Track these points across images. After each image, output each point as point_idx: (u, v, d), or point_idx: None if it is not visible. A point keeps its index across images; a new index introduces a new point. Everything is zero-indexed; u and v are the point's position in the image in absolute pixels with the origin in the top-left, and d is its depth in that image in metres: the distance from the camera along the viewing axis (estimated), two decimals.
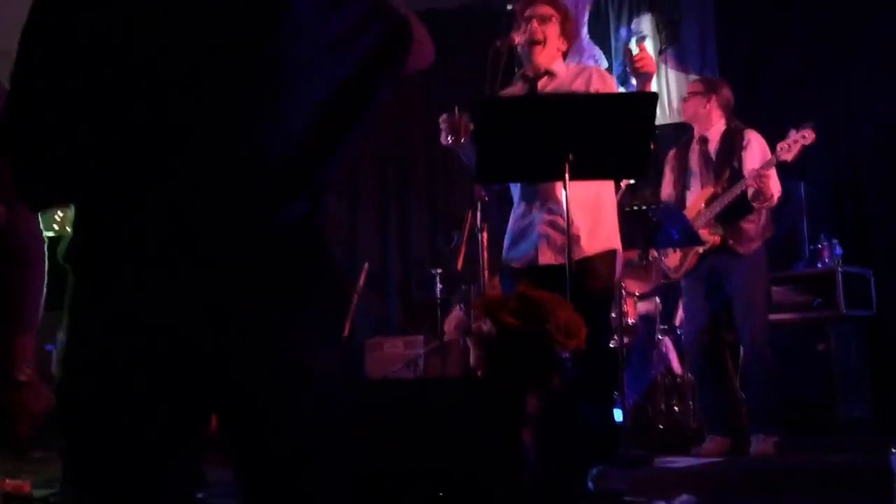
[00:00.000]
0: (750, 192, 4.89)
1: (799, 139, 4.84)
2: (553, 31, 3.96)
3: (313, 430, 1.37)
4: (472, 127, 3.75)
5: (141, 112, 1.32)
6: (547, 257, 3.83)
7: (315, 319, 1.39)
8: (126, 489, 1.33)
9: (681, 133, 6.95)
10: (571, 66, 4.16)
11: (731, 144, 5.14)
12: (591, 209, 3.86)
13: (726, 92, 5.28)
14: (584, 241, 3.80)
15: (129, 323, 1.31)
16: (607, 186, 4.04)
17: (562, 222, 3.57)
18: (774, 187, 4.91)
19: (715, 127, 5.25)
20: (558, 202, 3.72)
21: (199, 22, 1.33)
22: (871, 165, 6.60)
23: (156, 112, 1.32)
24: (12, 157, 1.35)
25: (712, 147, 5.23)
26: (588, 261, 3.79)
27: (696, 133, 5.34)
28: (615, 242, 3.96)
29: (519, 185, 4.01)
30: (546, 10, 3.95)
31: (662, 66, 7.42)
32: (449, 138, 3.78)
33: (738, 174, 5.02)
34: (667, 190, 5.42)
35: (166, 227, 1.31)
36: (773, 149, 4.95)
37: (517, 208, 4.03)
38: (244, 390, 1.34)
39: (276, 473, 1.36)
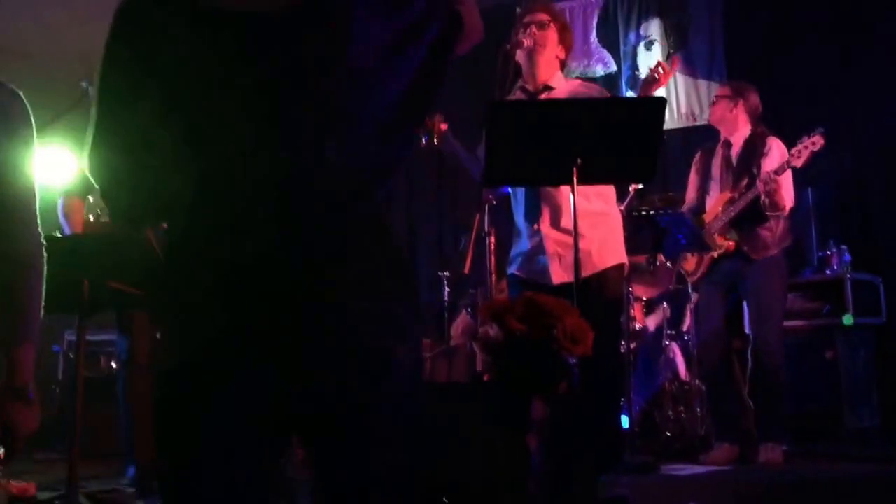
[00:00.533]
0: (762, 198, 4.88)
1: (809, 145, 4.84)
2: (552, 37, 3.97)
3: (392, 423, 1.39)
4: (445, 128, 3.78)
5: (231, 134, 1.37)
6: (560, 277, 3.83)
7: (397, 310, 1.41)
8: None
9: (689, 137, 6.97)
10: (571, 82, 4.18)
11: (754, 150, 5.15)
12: (599, 224, 3.87)
13: (754, 98, 5.28)
14: (595, 257, 3.82)
15: (234, 335, 1.34)
16: (612, 200, 4.05)
17: (572, 240, 3.55)
18: (787, 196, 4.91)
19: (740, 132, 5.25)
20: (564, 220, 3.72)
21: (278, 48, 1.37)
22: (879, 172, 6.58)
23: (243, 135, 1.37)
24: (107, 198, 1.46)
25: (735, 152, 5.24)
26: (601, 275, 3.82)
27: (722, 137, 5.35)
28: (623, 255, 3.99)
29: (522, 203, 4.01)
30: (543, 16, 3.98)
31: None
32: (423, 140, 3.80)
33: (755, 180, 5.01)
34: (690, 193, 5.44)
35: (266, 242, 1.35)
36: None
37: (522, 227, 4.03)
38: (332, 381, 1.35)
39: (354, 464, 1.37)
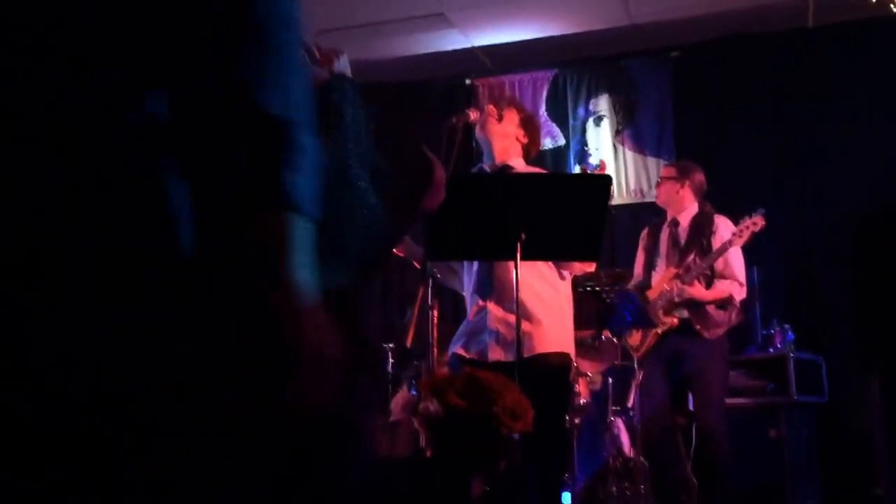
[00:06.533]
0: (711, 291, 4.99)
1: (750, 225, 4.92)
2: (511, 116, 3.94)
3: None
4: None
5: None
6: (496, 354, 3.77)
7: None
8: None
9: (637, 213, 7.02)
10: (534, 169, 4.11)
11: (701, 230, 5.19)
12: (552, 309, 3.80)
13: (699, 176, 5.35)
14: (535, 340, 3.73)
15: None
16: (568, 290, 3.99)
17: (513, 320, 3.50)
18: (738, 272, 5.00)
19: (687, 211, 5.30)
20: (512, 299, 3.66)
21: None
22: (824, 252, 6.66)
23: None
24: None
25: (682, 230, 5.29)
26: (540, 358, 3.71)
27: (669, 216, 5.40)
28: (567, 345, 3.89)
29: (473, 280, 3.96)
30: (504, 100, 3.96)
31: (619, 147, 7.50)
32: None
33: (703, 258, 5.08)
34: (637, 269, 5.46)
35: None
36: None
37: (469, 302, 3.98)
38: None
39: None
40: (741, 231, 4.91)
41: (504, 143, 3.94)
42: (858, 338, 3.10)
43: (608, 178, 3.54)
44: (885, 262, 2.83)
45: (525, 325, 3.53)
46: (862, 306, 2.79)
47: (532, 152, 4.05)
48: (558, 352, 3.81)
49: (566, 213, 3.36)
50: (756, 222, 4.92)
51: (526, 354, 3.55)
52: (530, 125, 4.03)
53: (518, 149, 3.98)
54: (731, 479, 5.02)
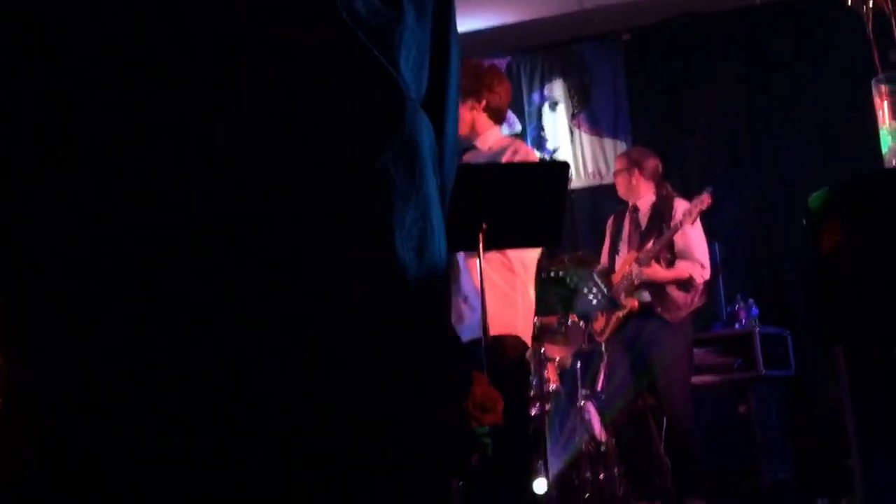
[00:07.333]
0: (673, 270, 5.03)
1: (697, 204, 5.01)
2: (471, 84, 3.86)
3: None
4: None
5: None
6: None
7: None
8: None
9: (596, 196, 7.04)
10: (500, 139, 4.05)
11: (660, 214, 5.22)
12: (501, 296, 3.72)
13: (651, 162, 5.38)
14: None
15: None
16: (524, 280, 3.91)
17: (463, 307, 3.46)
18: (699, 254, 5.02)
19: (644, 198, 5.35)
20: (468, 286, 3.60)
21: None
22: (786, 226, 6.70)
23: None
24: None
25: (643, 216, 5.33)
26: (495, 339, 3.61)
27: (630, 204, 5.44)
28: (520, 329, 3.82)
29: None
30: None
31: (576, 131, 7.51)
32: None
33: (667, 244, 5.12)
34: (604, 256, 5.51)
35: None
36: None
37: None
38: None
39: None
40: (690, 211, 4.98)
41: (466, 115, 3.90)
42: (821, 309, 3.11)
43: (566, 165, 3.53)
44: (844, 233, 2.83)
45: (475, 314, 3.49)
46: (823, 277, 2.79)
47: (493, 102, 3.96)
48: (511, 335, 3.76)
49: (526, 201, 3.34)
50: (703, 200, 5.00)
51: (472, 336, 3.51)
52: (476, 81, 3.93)
53: (481, 121, 3.94)
54: (700, 458, 5.05)
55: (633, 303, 5.10)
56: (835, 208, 2.65)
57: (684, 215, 4.98)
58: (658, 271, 5.05)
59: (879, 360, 2.74)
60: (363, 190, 0.90)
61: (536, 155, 4.29)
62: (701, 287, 5.12)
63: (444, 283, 1.00)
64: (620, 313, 5.14)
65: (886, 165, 2.65)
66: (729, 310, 6.28)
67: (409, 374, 0.91)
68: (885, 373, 2.74)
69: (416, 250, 0.93)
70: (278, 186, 0.86)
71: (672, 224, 5.05)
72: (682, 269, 5.06)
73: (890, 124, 2.38)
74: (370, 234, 0.90)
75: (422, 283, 0.93)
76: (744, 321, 6.03)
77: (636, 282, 5.05)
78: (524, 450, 4.13)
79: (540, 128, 7.52)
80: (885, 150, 2.58)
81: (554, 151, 7.24)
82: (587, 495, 5.36)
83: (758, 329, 5.86)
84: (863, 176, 2.89)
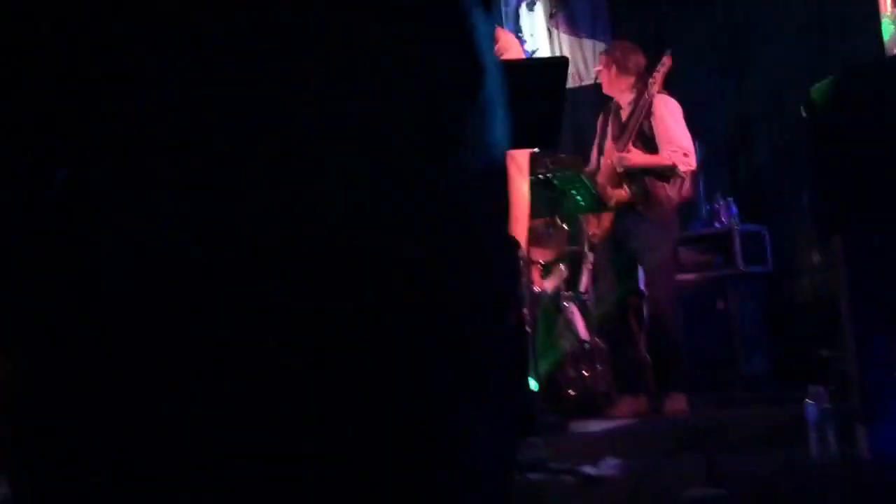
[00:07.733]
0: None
1: (660, 68, 5.01)
2: None
3: None
4: None
5: None
6: None
7: None
8: None
9: (576, 98, 6.99)
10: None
11: (641, 109, 5.15)
12: None
13: (633, 58, 5.26)
14: None
15: None
16: (518, 182, 3.89)
17: None
18: (679, 158, 5.00)
19: (625, 95, 5.28)
20: None
21: None
22: (764, 124, 6.72)
23: None
24: None
25: (624, 113, 5.28)
26: None
27: (614, 101, 5.40)
28: (519, 234, 3.83)
29: None
30: None
31: (554, 31, 7.41)
32: None
33: (649, 141, 5.09)
34: (592, 156, 5.48)
35: None
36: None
37: None
38: None
39: None
40: (654, 78, 4.99)
41: None
42: (816, 200, 3.14)
43: (564, 60, 3.47)
44: (839, 124, 2.85)
45: None
46: (818, 169, 2.82)
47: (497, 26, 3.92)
48: None
49: (523, 100, 3.31)
50: (664, 62, 5.01)
51: None
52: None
53: None
54: (683, 354, 5.13)
55: (621, 192, 5.08)
56: (837, 97, 2.66)
57: (651, 84, 4.97)
58: (640, 155, 5.02)
59: (878, 248, 2.80)
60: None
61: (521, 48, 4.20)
62: (688, 177, 5.09)
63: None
64: (612, 203, 5.13)
65: (888, 53, 2.66)
66: (708, 207, 6.34)
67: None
68: (882, 260, 2.80)
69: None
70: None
71: (646, 95, 5.01)
72: (664, 155, 5.03)
73: (892, 12, 2.39)
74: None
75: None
76: (724, 219, 6.09)
77: (619, 170, 5.02)
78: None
79: (518, 28, 7.42)
80: (886, 37, 2.57)
81: (532, 53, 7.14)
82: (572, 392, 5.45)
83: (738, 227, 5.93)
84: (865, 64, 2.89)
